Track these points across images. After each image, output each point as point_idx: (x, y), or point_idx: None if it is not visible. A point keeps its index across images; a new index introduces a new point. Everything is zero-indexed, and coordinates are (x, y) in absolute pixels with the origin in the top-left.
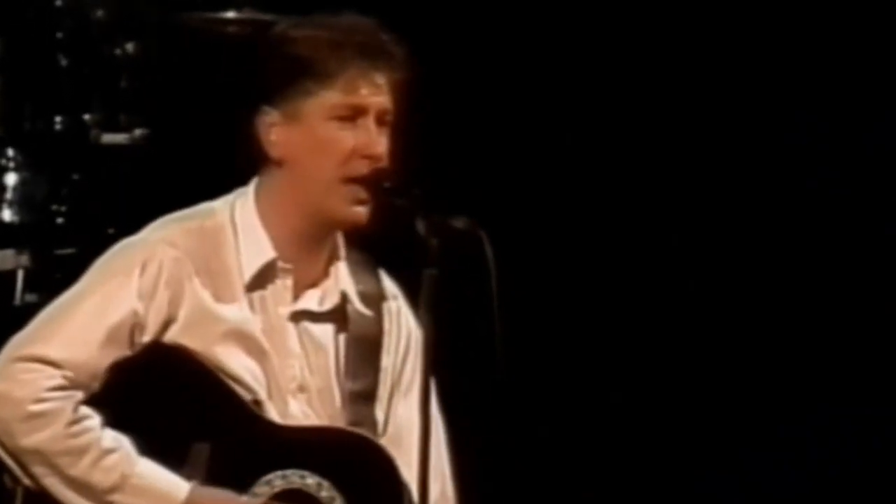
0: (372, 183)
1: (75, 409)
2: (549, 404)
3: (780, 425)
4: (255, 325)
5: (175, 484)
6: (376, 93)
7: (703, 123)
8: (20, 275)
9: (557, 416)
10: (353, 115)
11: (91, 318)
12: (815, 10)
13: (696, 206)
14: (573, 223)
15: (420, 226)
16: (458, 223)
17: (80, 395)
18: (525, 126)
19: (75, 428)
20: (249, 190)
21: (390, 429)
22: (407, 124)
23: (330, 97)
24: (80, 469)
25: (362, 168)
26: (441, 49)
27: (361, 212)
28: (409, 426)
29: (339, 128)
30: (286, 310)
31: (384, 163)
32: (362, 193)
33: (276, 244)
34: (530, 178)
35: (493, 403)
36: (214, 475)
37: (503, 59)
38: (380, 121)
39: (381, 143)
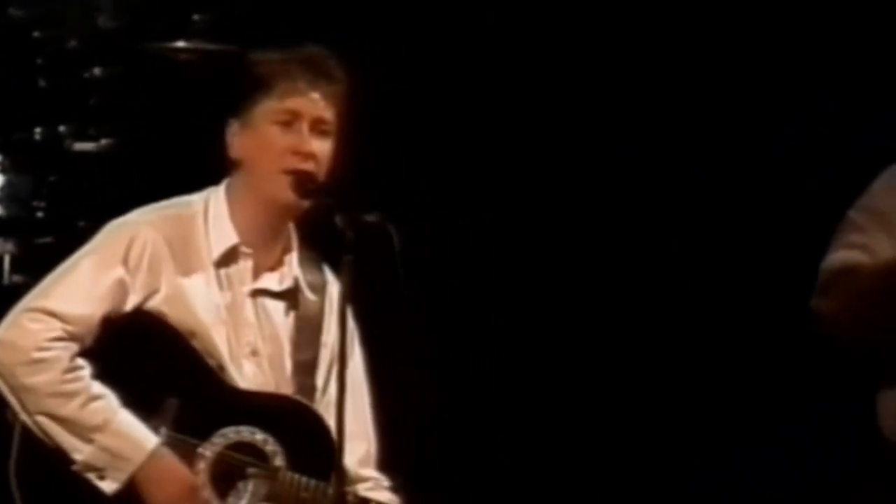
0: (304, 175)
1: (71, 359)
2: (547, 404)
3: (779, 425)
4: (220, 299)
5: (147, 435)
6: (310, 103)
7: (646, 119)
8: (6, 259)
9: (556, 416)
10: (289, 119)
11: (87, 279)
12: (804, 13)
13: (694, 205)
14: (567, 220)
15: (338, 220)
16: (370, 218)
17: (75, 346)
18: (432, 136)
19: (69, 375)
20: (221, 187)
21: (332, 393)
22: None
23: (271, 104)
24: (69, 409)
25: (294, 163)
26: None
27: (295, 198)
28: (350, 389)
29: (278, 131)
30: (247, 287)
31: (315, 162)
32: (298, 181)
33: (240, 232)
34: (437, 178)
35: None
36: (180, 425)
37: (431, 71)
38: (314, 128)
39: (310, 144)
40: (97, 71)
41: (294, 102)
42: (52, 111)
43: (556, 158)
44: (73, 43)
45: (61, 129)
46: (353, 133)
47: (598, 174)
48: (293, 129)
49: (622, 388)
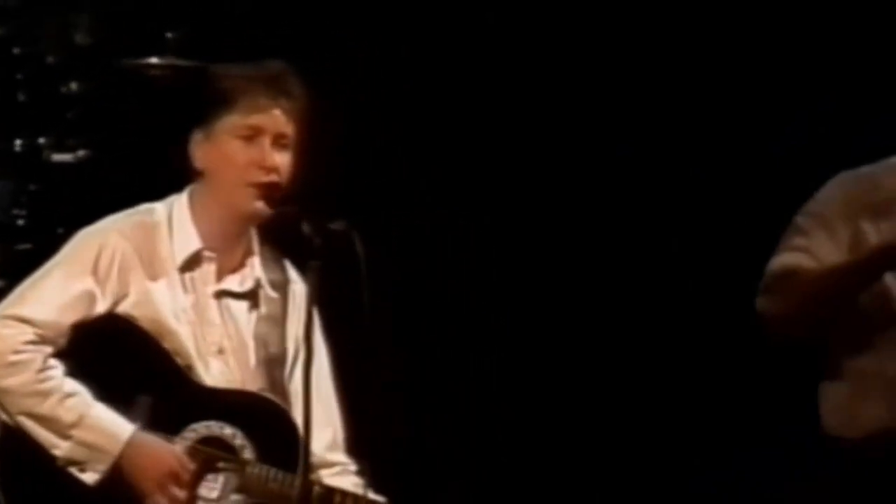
0: (268, 187)
1: (45, 360)
2: (544, 404)
3: (779, 425)
4: (185, 301)
5: (122, 425)
6: (272, 119)
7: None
8: None
9: (552, 416)
10: (251, 134)
11: (58, 288)
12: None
13: (694, 205)
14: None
15: (305, 228)
16: (336, 226)
17: (49, 349)
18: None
19: (43, 374)
20: (184, 195)
21: (297, 384)
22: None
23: (233, 119)
24: (45, 407)
25: (258, 176)
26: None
27: (261, 207)
28: (315, 380)
29: (240, 145)
30: (211, 288)
31: (278, 174)
32: (262, 192)
33: (203, 237)
34: (395, 188)
35: (362, 366)
36: (154, 421)
37: (423, 72)
38: (276, 142)
39: (272, 158)
40: (74, 85)
41: (256, 118)
42: (31, 124)
43: (557, 159)
44: (50, 59)
45: (40, 140)
46: (326, 141)
47: (598, 174)
48: (255, 144)
49: (621, 388)
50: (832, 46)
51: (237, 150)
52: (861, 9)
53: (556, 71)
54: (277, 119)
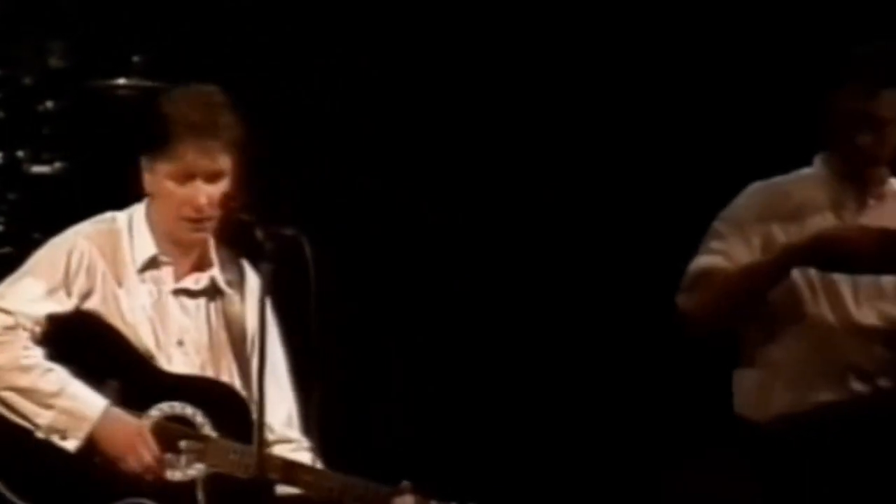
0: (199, 221)
1: (25, 341)
2: (541, 405)
3: None
4: (146, 300)
5: (98, 397)
6: (203, 160)
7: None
8: None
9: (551, 416)
10: (182, 178)
11: (31, 288)
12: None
13: (691, 205)
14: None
15: (258, 233)
16: (287, 231)
17: (27, 334)
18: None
19: (25, 352)
20: (142, 205)
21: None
22: (251, 156)
23: (167, 164)
24: (29, 380)
25: (190, 212)
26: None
27: (197, 236)
28: (269, 364)
29: (172, 186)
30: (168, 288)
31: (210, 208)
32: (195, 225)
33: (158, 244)
34: (347, 194)
35: (312, 363)
36: (121, 403)
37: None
38: (210, 179)
39: (202, 197)
40: (49, 104)
41: (189, 163)
42: (10, 139)
43: (547, 157)
44: (27, 80)
45: (19, 154)
46: (278, 153)
47: (593, 174)
48: (188, 185)
49: (618, 387)
50: (831, 46)
51: (172, 190)
52: (860, 8)
53: (511, 77)
54: (209, 158)
